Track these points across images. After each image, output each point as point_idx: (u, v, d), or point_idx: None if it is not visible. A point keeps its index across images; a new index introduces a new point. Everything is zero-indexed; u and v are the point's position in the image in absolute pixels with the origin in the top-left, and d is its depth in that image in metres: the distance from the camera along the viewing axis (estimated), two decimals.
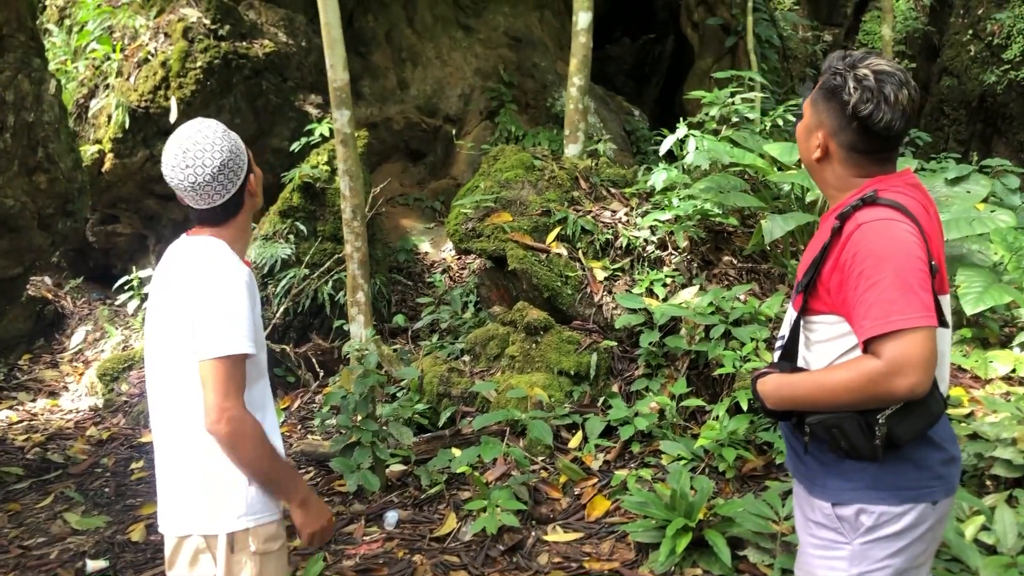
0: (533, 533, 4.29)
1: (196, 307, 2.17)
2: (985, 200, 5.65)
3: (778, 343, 2.22)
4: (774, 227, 5.08)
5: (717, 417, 4.71)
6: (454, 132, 9.63)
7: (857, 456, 1.97)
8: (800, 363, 2.14)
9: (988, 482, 3.74)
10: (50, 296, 8.84)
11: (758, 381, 2.13)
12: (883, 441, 1.91)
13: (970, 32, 11.92)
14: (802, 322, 2.10)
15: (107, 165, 8.01)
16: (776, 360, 2.20)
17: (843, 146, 2.06)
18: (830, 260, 1.99)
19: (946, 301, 2.02)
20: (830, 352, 2.03)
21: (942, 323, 1.93)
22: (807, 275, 2.04)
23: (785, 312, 5.13)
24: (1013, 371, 4.59)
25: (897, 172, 2.08)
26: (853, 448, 1.95)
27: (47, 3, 9.12)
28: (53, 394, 7.42)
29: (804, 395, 2.01)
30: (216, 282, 2.18)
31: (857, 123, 2.00)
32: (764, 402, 2.12)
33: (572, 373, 5.28)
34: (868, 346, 1.87)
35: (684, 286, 5.63)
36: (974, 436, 3.83)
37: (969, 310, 4.72)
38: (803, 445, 2.09)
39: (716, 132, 6.70)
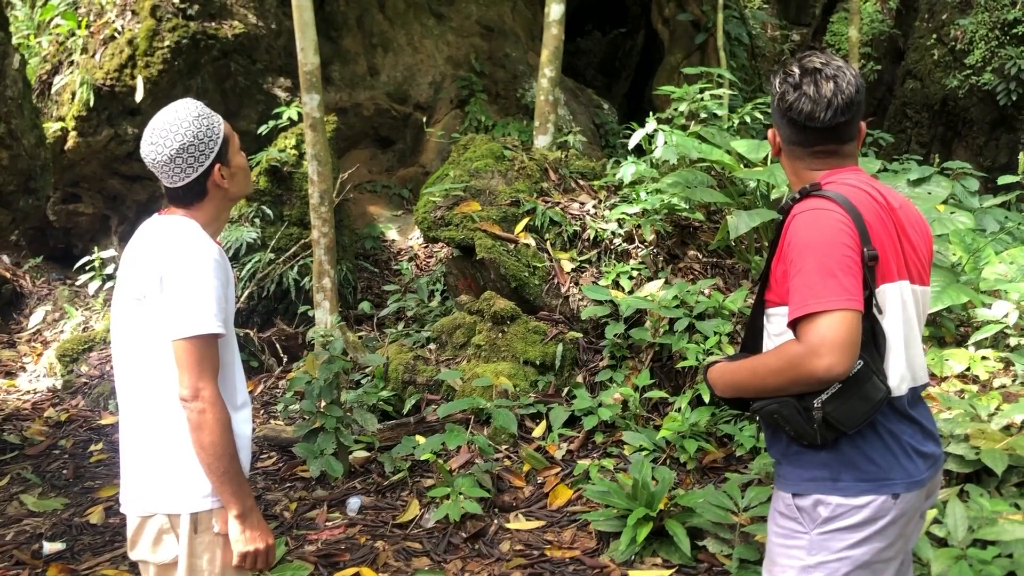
0: (496, 521, 4.32)
1: (165, 286, 2.17)
2: (945, 202, 5.77)
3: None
4: (739, 223, 5.15)
5: (679, 409, 4.77)
6: (424, 120, 9.59)
7: (806, 443, 2.01)
8: None
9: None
10: (8, 275, 8.68)
11: (708, 369, 2.22)
12: (821, 425, 1.94)
13: (934, 37, 12.11)
14: (764, 315, 2.15)
15: (70, 143, 7.88)
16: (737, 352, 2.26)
17: (784, 140, 2.15)
18: (777, 252, 2.05)
19: (897, 288, 2.03)
20: None
21: (875, 309, 1.95)
22: (765, 268, 2.11)
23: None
24: (967, 369, 4.69)
25: (851, 167, 2.11)
26: (798, 434, 2.00)
27: None
28: (10, 374, 7.30)
29: (741, 381, 2.09)
30: (185, 261, 2.18)
31: (784, 116, 2.08)
32: (713, 389, 2.20)
33: (537, 363, 5.32)
34: (794, 331, 1.93)
35: (650, 279, 5.69)
36: None
37: None
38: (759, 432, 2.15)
39: (684, 127, 6.75)
